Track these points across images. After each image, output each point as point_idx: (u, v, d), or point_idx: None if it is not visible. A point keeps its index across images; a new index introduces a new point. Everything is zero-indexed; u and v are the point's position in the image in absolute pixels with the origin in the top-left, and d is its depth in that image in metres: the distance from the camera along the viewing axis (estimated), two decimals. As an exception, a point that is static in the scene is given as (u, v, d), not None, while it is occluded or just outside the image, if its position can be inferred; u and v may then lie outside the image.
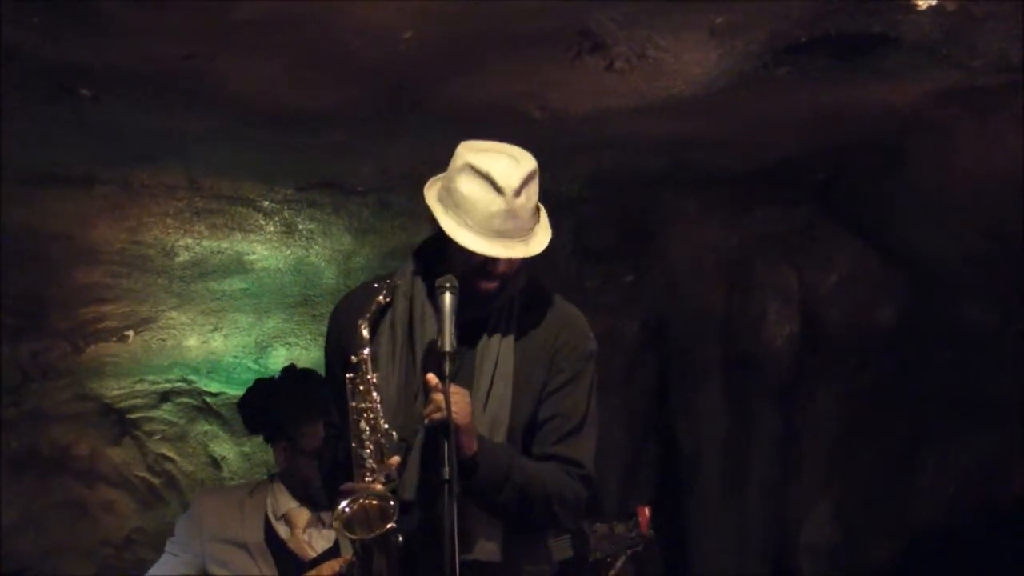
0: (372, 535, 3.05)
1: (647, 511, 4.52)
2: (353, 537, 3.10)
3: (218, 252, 5.87)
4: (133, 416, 6.76)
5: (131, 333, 6.32)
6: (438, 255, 3.22)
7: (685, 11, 3.91)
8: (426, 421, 3.04)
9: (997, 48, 4.26)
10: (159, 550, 4.80)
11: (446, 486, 2.93)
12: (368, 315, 3.21)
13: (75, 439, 6.63)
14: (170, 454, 6.90)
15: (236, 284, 6.16)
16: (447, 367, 3.00)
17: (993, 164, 5.07)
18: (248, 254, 5.92)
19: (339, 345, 3.29)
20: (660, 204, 6.06)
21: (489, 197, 3.09)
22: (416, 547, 3.07)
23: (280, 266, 6.05)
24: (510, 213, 3.08)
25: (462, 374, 3.13)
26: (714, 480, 6.37)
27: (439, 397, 2.99)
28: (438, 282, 3.11)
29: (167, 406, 6.86)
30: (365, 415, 3.13)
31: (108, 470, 6.74)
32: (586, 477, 3.29)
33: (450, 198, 3.16)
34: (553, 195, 5.76)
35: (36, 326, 6.07)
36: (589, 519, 4.50)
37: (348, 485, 3.11)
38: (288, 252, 5.96)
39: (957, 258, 5.70)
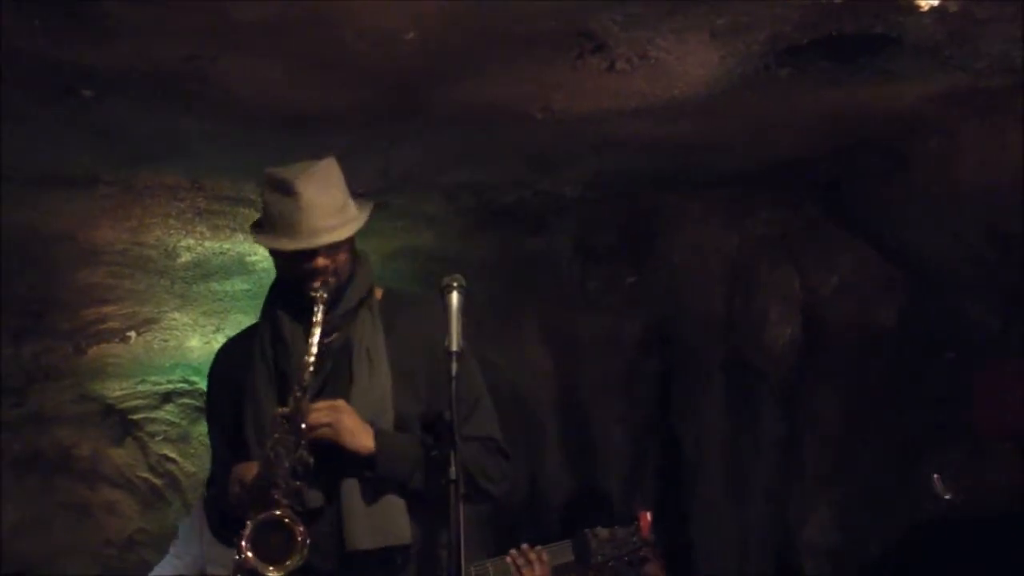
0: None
1: (648, 516, 4.52)
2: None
3: (220, 253, 5.88)
4: (135, 417, 6.78)
5: (133, 334, 6.33)
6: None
7: (687, 12, 3.91)
8: (306, 438, 3.21)
9: (1000, 50, 4.26)
10: (161, 551, 4.82)
11: (452, 487, 2.99)
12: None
13: (77, 440, 6.64)
14: (172, 455, 6.91)
15: (238, 285, 6.17)
16: (453, 367, 3.07)
17: (996, 166, 5.07)
18: (250, 255, 5.93)
19: (222, 393, 3.52)
20: (662, 205, 6.06)
21: (278, 197, 3.30)
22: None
23: (282, 267, 6.05)
24: (306, 208, 3.27)
25: (340, 375, 3.35)
26: (716, 481, 6.37)
27: (316, 416, 3.23)
28: (445, 280, 3.21)
29: (169, 407, 6.88)
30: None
31: (110, 471, 6.76)
32: (501, 448, 3.49)
33: (262, 215, 3.41)
34: (555, 196, 5.82)
35: (38, 327, 6.08)
36: (590, 523, 4.50)
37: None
38: (290, 253, 5.95)
39: (959, 259, 5.69)
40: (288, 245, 3.30)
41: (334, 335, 3.38)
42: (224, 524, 3.48)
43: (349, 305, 3.40)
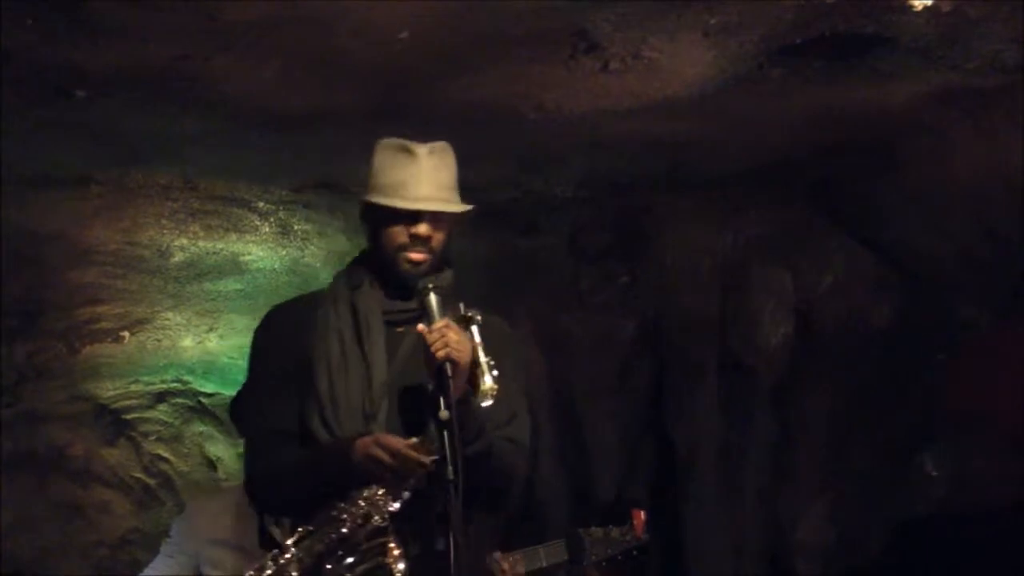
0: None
1: (642, 515, 4.52)
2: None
3: (213, 253, 5.88)
4: (128, 417, 6.78)
5: (126, 334, 6.33)
6: (374, 258, 3.34)
7: (680, 12, 3.91)
8: (439, 355, 3.06)
9: (992, 50, 4.26)
10: (154, 550, 4.79)
11: (451, 486, 2.97)
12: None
13: (70, 440, 6.64)
14: (165, 455, 6.91)
15: (231, 285, 6.17)
16: (449, 368, 3.06)
17: (988, 165, 5.07)
18: (243, 255, 5.93)
19: (281, 354, 3.32)
20: (655, 205, 6.06)
21: (402, 158, 3.28)
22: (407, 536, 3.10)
23: (275, 267, 6.06)
24: (423, 173, 3.26)
25: (413, 373, 3.20)
26: (709, 481, 6.37)
27: (442, 336, 3.07)
28: (421, 283, 3.19)
29: (162, 407, 6.88)
30: None
31: (103, 471, 6.75)
32: (528, 456, 3.46)
33: (372, 183, 3.30)
34: (548, 196, 5.82)
35: (31, 327, 6.07)
36: (584, 522, 4.50)
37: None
38: (283, 253, 5.96)
39: (952, 259, 5.70)
40: (400, 203, 3.23)
41: (407, 327, 3.26)
42: (295, 498, 3.24)
43: None
